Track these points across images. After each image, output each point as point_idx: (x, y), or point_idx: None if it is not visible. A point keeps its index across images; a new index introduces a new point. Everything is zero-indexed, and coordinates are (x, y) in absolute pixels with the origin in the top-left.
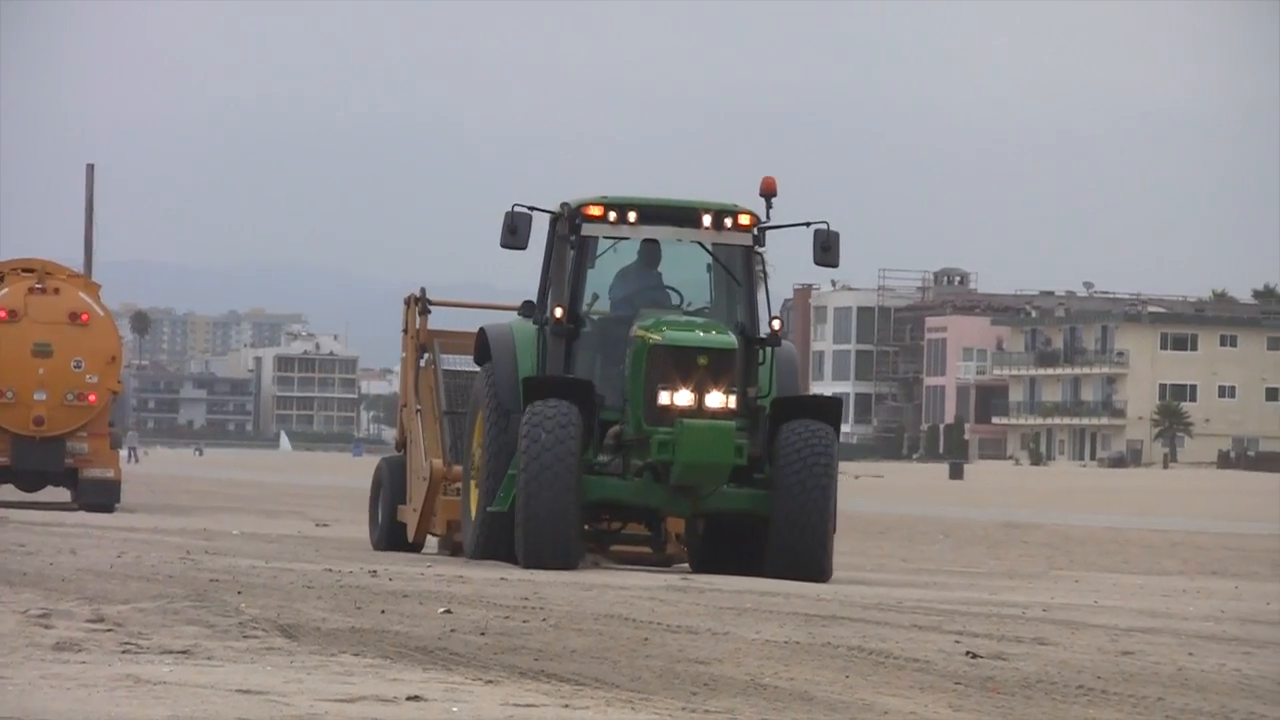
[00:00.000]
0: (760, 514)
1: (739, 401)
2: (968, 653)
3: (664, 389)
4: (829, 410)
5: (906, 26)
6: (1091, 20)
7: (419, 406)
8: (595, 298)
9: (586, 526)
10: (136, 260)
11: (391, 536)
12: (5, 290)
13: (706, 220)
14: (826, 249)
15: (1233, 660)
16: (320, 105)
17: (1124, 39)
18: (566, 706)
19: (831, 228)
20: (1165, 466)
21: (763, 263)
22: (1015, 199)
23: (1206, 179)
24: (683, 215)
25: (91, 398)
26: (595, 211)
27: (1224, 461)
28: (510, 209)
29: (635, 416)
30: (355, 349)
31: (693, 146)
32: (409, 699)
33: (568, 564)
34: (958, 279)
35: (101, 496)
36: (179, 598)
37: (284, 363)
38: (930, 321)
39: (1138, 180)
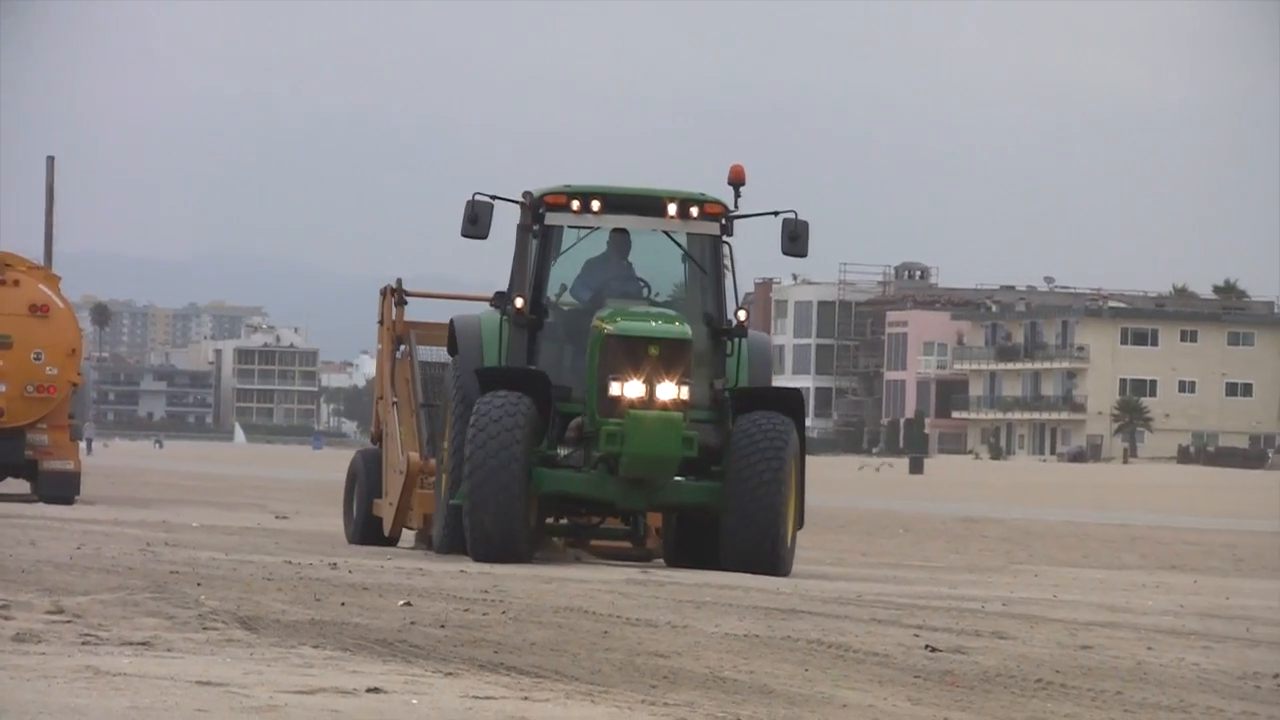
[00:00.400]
0: (716, 507)
1: (692, 393)
2: (927, 646)
3: (614, 379)
4: (789, 402)
5: (869, 23)
6: (1053, 17)
7: (395, 399)
8: (564, 288)
9: (565, 521)
10: (96, 252)
11: (367, 530)
12: None
13: (672, 209)
14: (795, 239)
15: (1192, 654)
16: (280, 97)
17: (1085, 36)
18: (526, 699)
19: (800, 217)
20: (1125, 461)
21: (730, 253)
22: (976, 194)
23: (1167, 175)
24: (648, 204)
25: (52, 390)
26: (558, 200)
27: (1184, 456)
28: (471, 198)
29: (591, 408)
30: (315, 341)
31: (656, 142)
32: (369, 691)
33: (516, 557)
34: (918, 273)
35: (61, 488)
36: (139, 589)
37: (244, 355)
38: (891, 316)
39: (1098, 176)
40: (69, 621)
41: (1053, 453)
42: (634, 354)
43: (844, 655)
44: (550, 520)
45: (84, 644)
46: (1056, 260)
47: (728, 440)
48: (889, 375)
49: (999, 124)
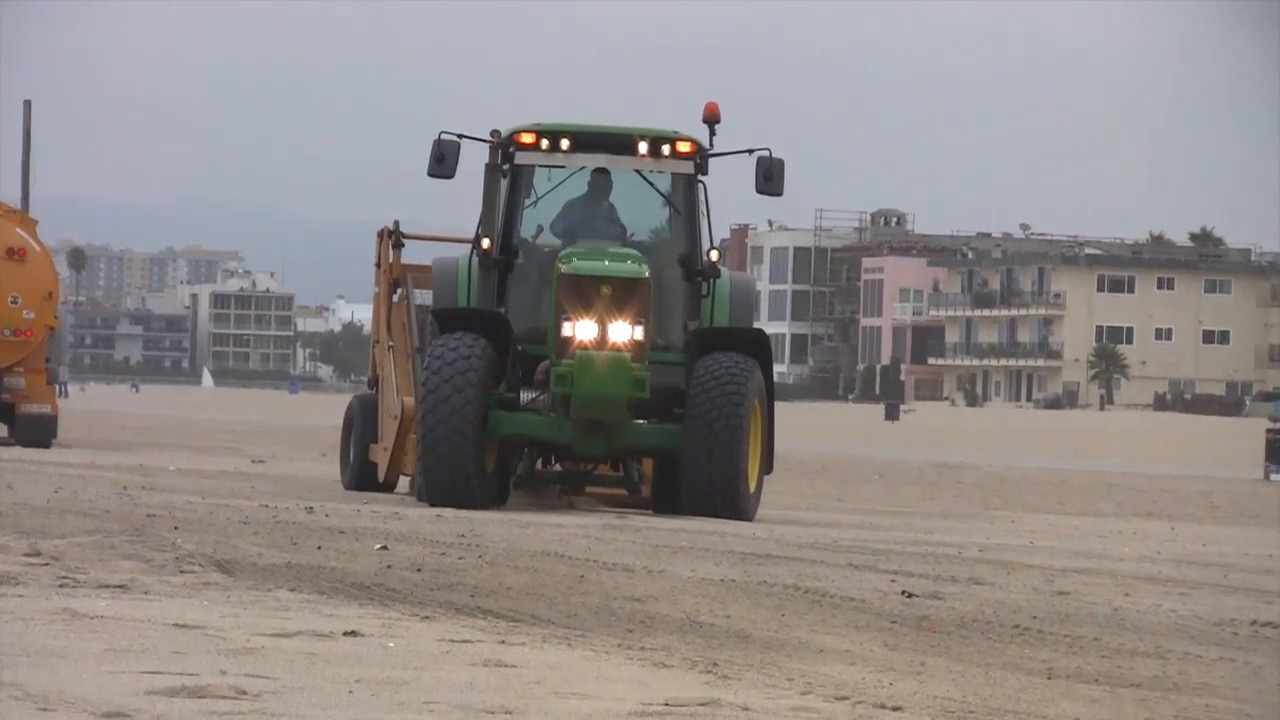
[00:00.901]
0: (676, 450)
1: (651, 334)
2: (903, 592)
3: (566, 320)
4: (753, 342)
5: None
6: None
7: (391, 343)
8: (540, 229)
9: (559, 467)
10: (73, 196)
11: (363, 476)
12: None
13: (643, 148)
14: (769, 177)
15: (1168, 601)
16: (257, 43)
17: None
18: (503, 642)
19: (775, 155)
20: (1101, 408)
21: (705, 192)
22: (953, 141)
23: (1145, 122)
24: (619, 143)
25: (28, 333)
26: (528, 139)
27: (1160, 404)
28: (438, 137)
29: (550, 349)
30: (291, 286)
31: (629, 81)
32: (345, 634)
33: (470, 503)
34: (895, 220)
35: (38, 432)
36: (116, 533)
37: (220, 300)
38: (867, 262)
39: (1075, 123)
40: (46, 564)
41: (1029, 399)
42: (585, 294)
43: (820, 601)
44: (542, 466)
45: (61, 587)
46: (1033, 208)
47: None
48: (865, 322)
49: (976, 71)
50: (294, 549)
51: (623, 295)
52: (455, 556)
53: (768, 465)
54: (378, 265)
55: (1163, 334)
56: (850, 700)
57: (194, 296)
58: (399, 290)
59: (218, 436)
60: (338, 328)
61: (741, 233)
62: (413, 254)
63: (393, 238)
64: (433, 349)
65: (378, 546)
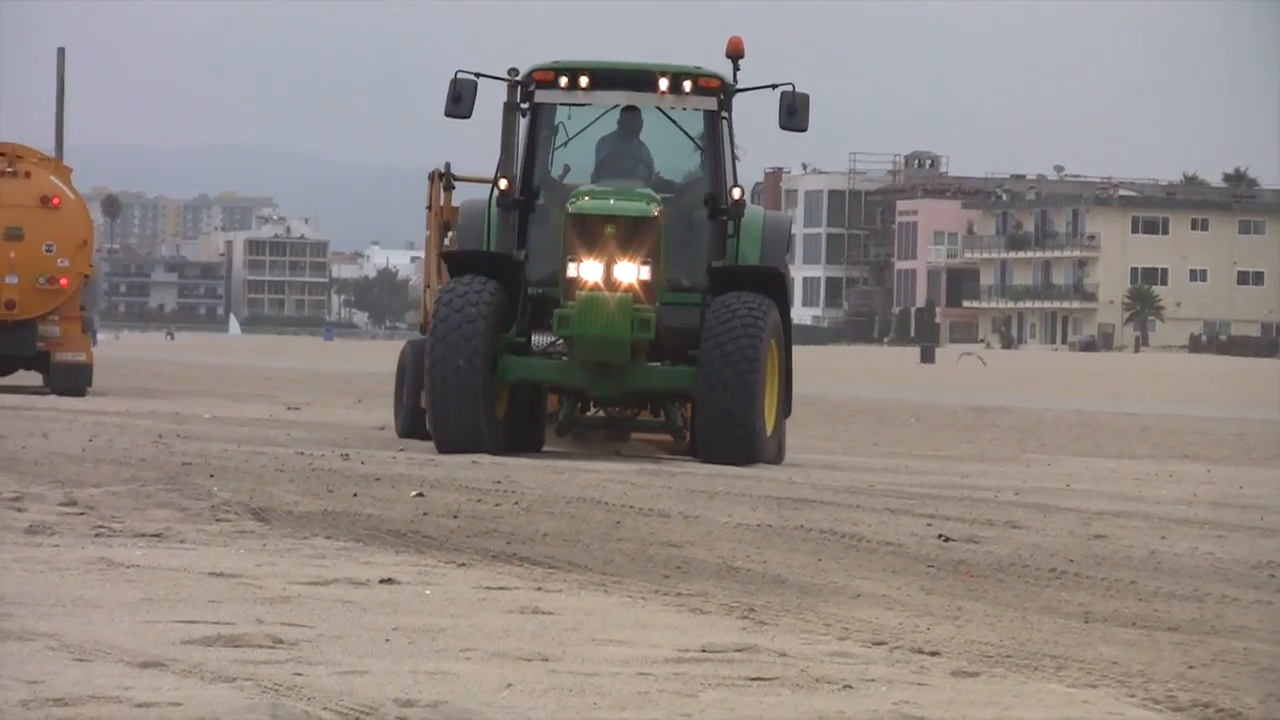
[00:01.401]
0: (691, 391)
1: (659, 274)
2: (940, 536)
3: (571, 260)
4: (770, 281)
5: None
6: None
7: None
8: (567, 169)
9: (603, 413)
10: (107, 144)
11: (415, 423)
12: None
13: (664, 84)
14: (793, 113)
15: (1205, 544)
16: None
17: None
18: (539, 589)
19: (799, 89)
20: (1136, 350)
21: (729, 128)
22: (986, 82)
23: (1178, 63)
24: (639, 79)
25: (63, 281)
26: (546, 77)
27: (1195, 345)
28: (454, 76)
29: (560, 291)
30: (326, 232)
31: (655, 21)
32: (382, 582)
33: (479, 447)
34: (929, 162)
35: (73, 380)
36: (150, 481)
37: (255, 246)
38: (901, 205)
39: (1108, 64)
40: (81, 514)
41: (1064, 342)
42: (591, 234)
43: (857, 545)
44: (583, 412)
45: (97, 536)
46: (1066, 149)
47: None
48: (899, 265)
49: (1007, 12)
50: (330, 496)
51: (629, 235)
52: (491, 503)
53: (786, 408)
54: (429, 208)
55: (1197, 275)
56: (887, 645)
57: (229, 243)
58: (450, 233)
59: (253, 384)
60: (372, 274)
61: (775, 176)
62: (465, 195)
63: (444, 180)
64: (441, 294)
65: (414, 493)
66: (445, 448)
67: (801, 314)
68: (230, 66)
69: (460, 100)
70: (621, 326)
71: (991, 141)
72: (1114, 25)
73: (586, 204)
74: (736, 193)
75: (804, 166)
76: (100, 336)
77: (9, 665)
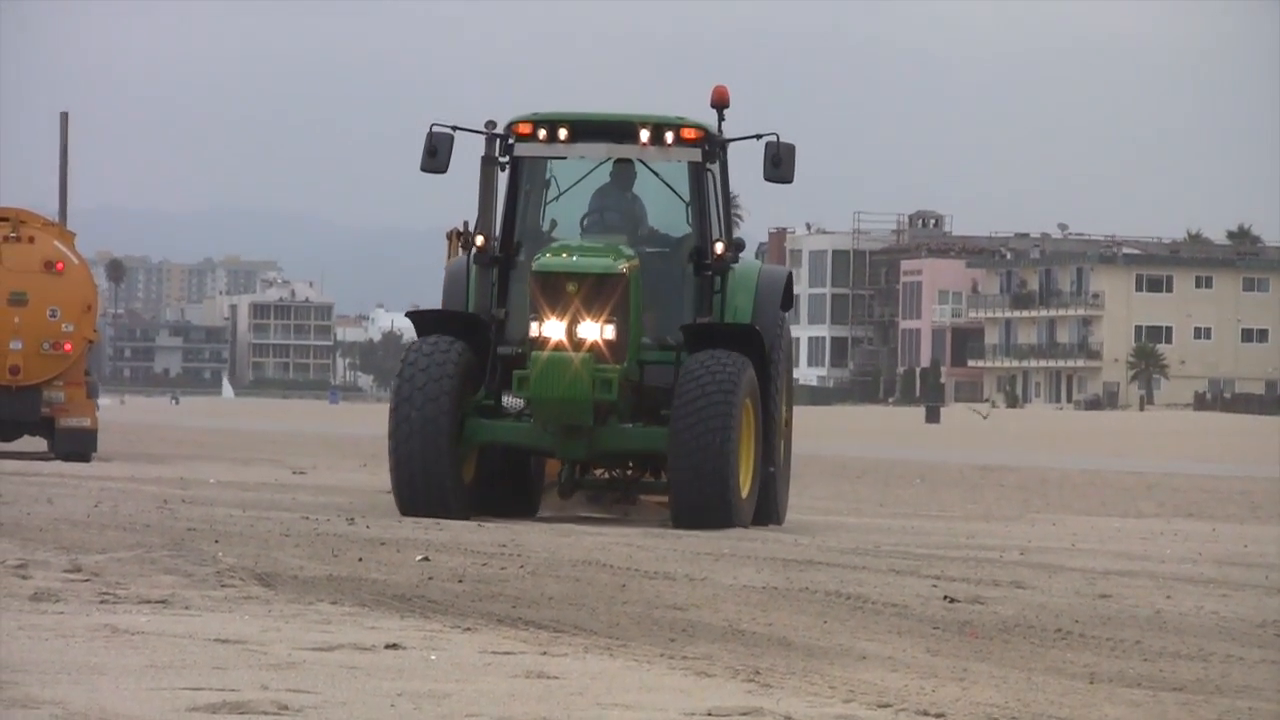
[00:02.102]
0: (663, 453)
1: (623, 331)
2: (945, 597)
3: (533, 319)
4: (744, 338)
5: None
6: None
7: None
8: (554, 224)
9: (607, 475)
10: (111, 207)
11: None
12: None
13: (645, 135)
14: (778, 164)
15: (1210, 602)
16: (291, 50)
17: None
18: (545, 653)
19: (783, 139)
20: (1141, 408)
21: (715, 179)
22: (990, 141)
23: (1181, 120)
24: (621, 131)
25: (68, 346)
26: (524, 129)
27: (1200, 403)
28: (430, 129)
29: (526, 352)
30: (330, 295)
31: (657, 81)
32: (387, 647)
33: (445, 513)
34: (933, 222)
35: (78, 445)
36: (156, 547)
37: (259, 310)
38: (905, 264)
39: (1112, 121)
40: (87, 580)
41: (1069, 400)
42: (555, 292)
43: (862, 606)
44: (599, 474)
45: (102, 602)
46: (1070, 207)
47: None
48: (904, 324)
49: (1011, 69)
50: (335, 561)
51: (593, 292)
52: (497, 566)
53: (770, 465)
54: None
55: (1201, 333)
56: (893, 707)
57: (233, 307)
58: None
59: (258, 447)
60: (377, 336)
61: (780, 236)
62: None
63: (462, 239)
64: (406, 354)
65: (419, 557)
66: (408, 510)
67: (807, 374)
68: (233, 130)
69: (436, 154)
70: (578, 388)
71: (995, 200)
72: (1116, 85)
73: (549, 261)
74: (719, 247)
75: (808, 226)
76: (103, 401)
77: None
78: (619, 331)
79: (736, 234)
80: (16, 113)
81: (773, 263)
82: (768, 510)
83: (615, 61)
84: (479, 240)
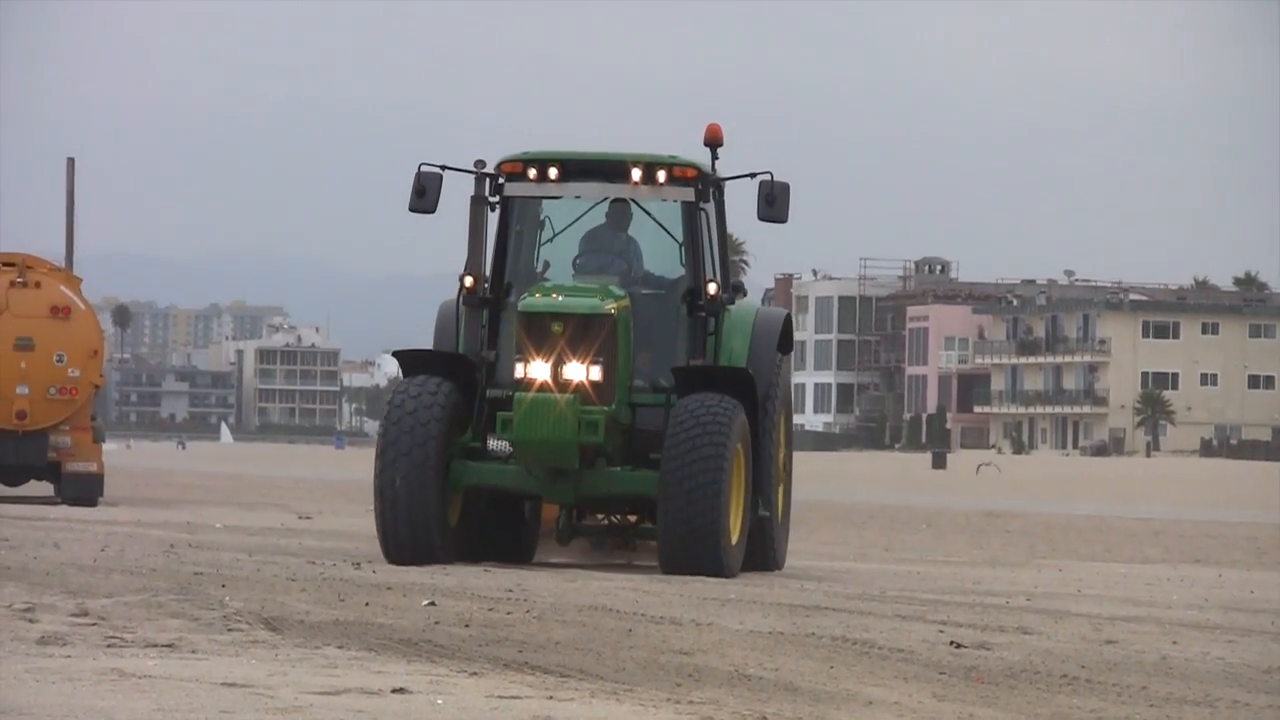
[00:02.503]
0: (652, 498)
1: (610, 373)
2: (951, 642)
3: (519, 360)
4: (739, 383)
5: (888, 16)
6: (1072, 9)
7: None
8: (547, 265)
9: (607, 520)
10: (117, 253)
11: None
12: None
13: (637, 174)
14: (771, 202)
15: (1216, 648)
16: (297, 98)
17: (1105, 27)
18: (551, 698)
19: (777, 178)
20: (1148, 455)
21: (709, 219)
22: (996, 188)
23: (1187, 167)
24: (612, 170)
25: (74, 391)
26: (514, 169)
27: (1206, 449)
28: (418, 169)
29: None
30: (336, 341)
31: (661, 134)
32: (394, 691)
33: (430, 558)
34: (939, 268)
35: (84, 490)
36: (163, 591)
37: (265, 355)
38: (912, 310)
39: (1118, 169)
40: (93, 624)
41: (1075, 446)
42: (540, 332)
43: (868, 652)
44: (599, 519)
45: (109, 646)
46: (1077, 253)
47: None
48: (910, 370)
49: (1018, 117)
50: (341, 605)
51: (579, 333)
52: (503, 611)
53: (757, 510)
54: None
55: (1208, 379)
56: None
57: (239, 352)
58: None
59: (264, 492)
60: (383, 382)
61: (786, 282)
62: None
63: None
64: (392, 396)
65: (425, 602)
66: (394, 557)
67: (813, 419)
68: (239, 175)
69: (425, 194)
70: (567, 430)
71: (1002, 246)
72: (1124, 132)
73: (535, 301)
74: (712, 288)
75: (814, 273)
76: (109, 446)
77: None
78: (606, 372)
79: (738, 277)
80: (23, 158)
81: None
82: (763, 557)
83: (624, 108)
84: (468, 281)
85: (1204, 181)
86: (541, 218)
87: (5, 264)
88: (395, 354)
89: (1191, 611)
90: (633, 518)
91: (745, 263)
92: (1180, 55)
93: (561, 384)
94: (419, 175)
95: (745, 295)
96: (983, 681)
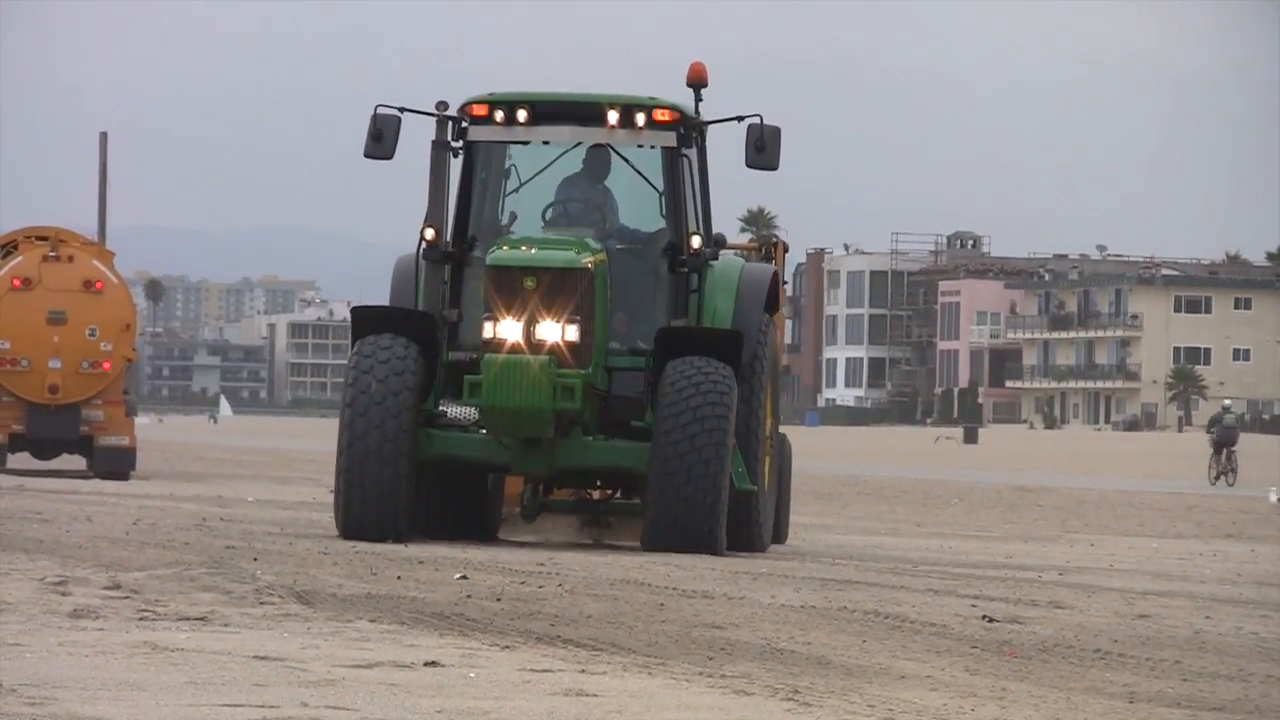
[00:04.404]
0: (638, 472)
1: (587, 333)
2: (984, 616)
3: (486, 319)
4: (725, 346)
5: None
6: None
7: None
8: (514, 217)
9: (574, 495)
10: (149, 227)
11: None
12: (20, 259)
13: (613, 117)
14: (761, 149)
15: (1249, 623)
16: (329, 70)
17: (1140, 0)
18: (583, 671)
19: (767, 122)
20: (1180, 430)
21: (692, 166)
22: (1028, 162)
23: (1220, 141)
24: (585, 112)
25: (106, 365)
26: (480, 111)
27: (1238, 425)
28: (374, 111)
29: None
30: None
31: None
32: (426, 664)
33: (394, 535)
34: (971, 242)
35: (116, 464)
36: (195, 565)
37: (297, 329)
38: (944, 285)
39: (1151, 143)
40: (126, 597)
41: (1107, 421)
42: (511, 288)
43: (901, 626)
44: (545, 495)
45: (141, 619)
46: (1109, 228)
47: (652, 391)
48: (942, 345)
49: (1052, 92)
50: (374, 579)
51: (553, 289)
52: (535, 585)
53: (780, 493)
54: None
55: (1240, 354)
56: None
57: (271, 326)
58: None
59: (297, 466)
60: None
61: (818, 257)
62: None
63: None
64: (356, 358)
65: (457, 576)
66: (352, 533)
67: (844, 394)
68: (272, 150)
69: (381, 139)
70: (541, 395)
71: (1034, 221)
72: (1156, 106)
73: (505, 254)
74: (696, 241)
75: (846, 247)
76: (141, 420)
77: None
78: (583, 333)
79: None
80: (57, 133)
81: (810, 285)
82: (746, 534)
83: (648, 84)
84: (429, 234)
85: (1237, 156)
86: (508, 165)
87: (39, 238)
88: (353, 310)
89: (1224, 586)
90: (595, 493)
91: (776, 237)
92: (1215, 27)
93: (534, 345)
94: (375, 118)
95: (723, 246)
96: (1015, 656)
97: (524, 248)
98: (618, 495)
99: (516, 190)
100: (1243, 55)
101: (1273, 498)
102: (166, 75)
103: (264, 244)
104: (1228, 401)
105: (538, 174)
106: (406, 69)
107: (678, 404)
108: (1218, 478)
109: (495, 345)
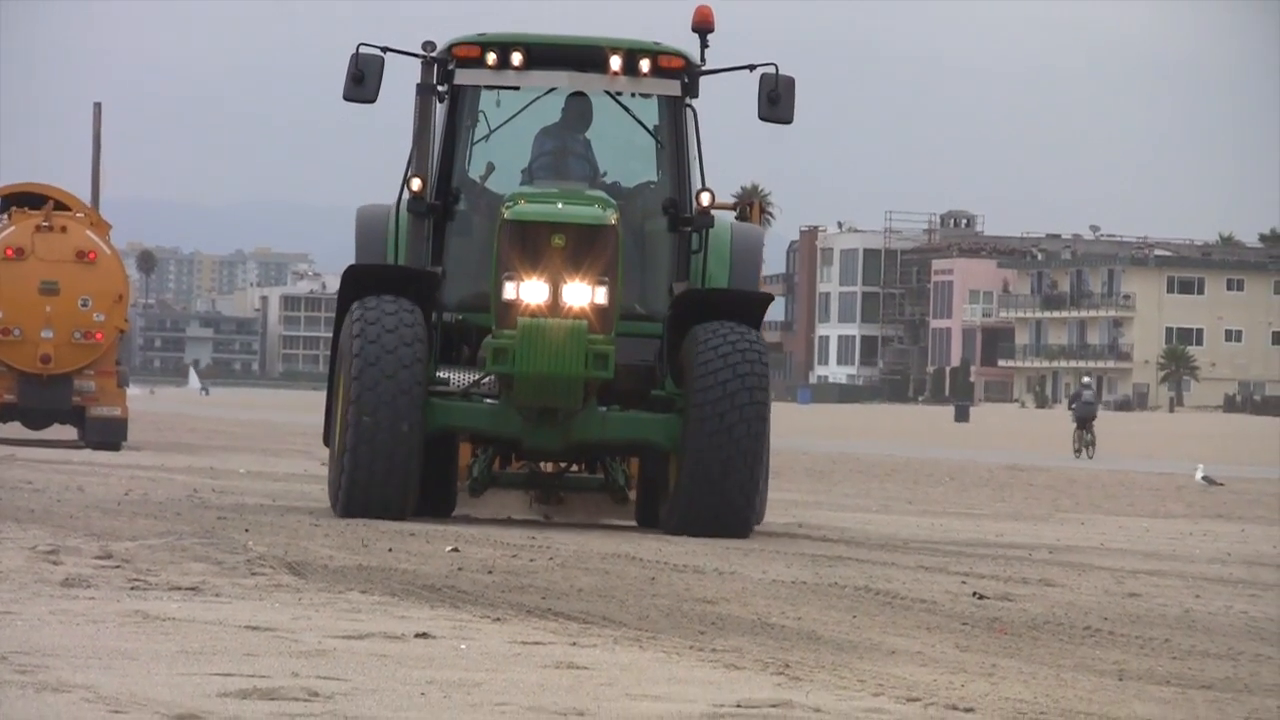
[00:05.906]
0: (662, 446)
1: (617, 296)
2: (974, 594)
3: (508, 279)
4: (749, 309)
5: None
6: None
7: None
8: (491, 168)
9: (524, 468)
10: (142, 198)
11: None
12: (12, 228)
13: (615, 63)
14: (775, 100)
15: (1239, 603)
16: (324, 42)
17: None
18: (574, 644)
19: (782, 71)
20: (1171, 410)
21: (696, 118)
22: (1022, 142)
23: (1213, 123)
24: (585, 57)
25: (99, 336)
26: (469, 53)
27: (1230, 405)
28: (355, 50)
29: (493, 317)
30: None
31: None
32: (417, 636)
33: (398, 512)
34: (964, 221)
35: (108, 434)
36: (186, 535)
37: (290, 302)
38: (936, 264)
39: (1145, 124)
40: (117, 566)
41: (1099, 401)
42: (533, 246)
43: (891, 602)
44: (500, 467)
45: (132, 589)
46: (1102, 208)
47: (671, 358)
48: (934, 323)
49: (1045, 71)
50: (365, 551)
51: (581, 247)
52: (526, 558)
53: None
54: None
55: (1232, 335)
56: (922, 702)
57: (264, 299)
58: None
59: (289, 439)
60: None
61: (811, 235)
62: None
63: None
64: (357, 324)
65: (449, 548)
66: (356, 511)
67: (836, 372)
68: (266, 122)
69: (363, 80)
70: (573, 363)
71: (1027, 201)
72: (1150, 87)
73: (527, 209)
74: (705, 198)
75: (839, 225)
76: (133, 391)
77: (46, 717)
78: (610, 295)
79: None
80: (51, 103)
81: (804, 263)
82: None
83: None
84: (415, 184)
85: (1230, 138)
86: (479, 111)
87: (39, 196)
88: (349, 269)
89: (1214, 566)
90: (549, 466)
91: (770, 215)
92: (1209, 10)
93: (562, 308)
94: (356, 58)
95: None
96: (1005, 633)
97: (550, 202)
98: (573, 469)
99: (485, 139)
100: (1237, 39)
101: (1198, 475)
102: (161, 46)
103: (257, 216)
104: (1087, 379)
105: (507, 121)
106: (409, 41)
107: (721, 371)
108: (1078, 451)
109: (519, 309)
